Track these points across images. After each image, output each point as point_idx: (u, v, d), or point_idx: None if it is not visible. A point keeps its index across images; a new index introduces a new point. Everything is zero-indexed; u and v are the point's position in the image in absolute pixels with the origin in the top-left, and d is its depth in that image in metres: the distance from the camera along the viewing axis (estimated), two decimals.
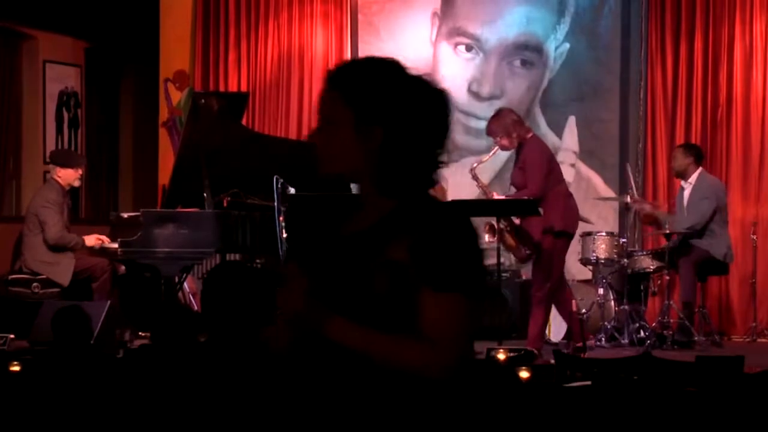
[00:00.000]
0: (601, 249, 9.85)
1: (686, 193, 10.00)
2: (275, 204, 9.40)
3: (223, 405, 3.64)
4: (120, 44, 13.45)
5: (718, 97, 10.98)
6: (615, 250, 9.84)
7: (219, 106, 9.99)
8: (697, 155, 10.09)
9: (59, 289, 9.82)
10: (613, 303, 9.84)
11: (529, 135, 9.07)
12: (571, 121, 11.53)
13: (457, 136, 11.84)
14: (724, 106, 10.95)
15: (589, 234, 9.99)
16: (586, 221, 10.31)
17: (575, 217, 8.93)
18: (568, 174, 11.48)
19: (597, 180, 11.38)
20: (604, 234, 9.99)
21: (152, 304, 9.87)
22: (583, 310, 9.40)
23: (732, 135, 10.91)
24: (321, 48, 12.24)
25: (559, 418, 5.01)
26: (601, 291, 9.78)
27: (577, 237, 10.32)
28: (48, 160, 10.71)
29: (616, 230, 10.56)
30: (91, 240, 9.95)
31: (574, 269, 10.97)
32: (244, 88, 12.32)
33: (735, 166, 10.88)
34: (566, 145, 11.51)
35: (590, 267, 10.15)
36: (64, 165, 10.10)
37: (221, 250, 9.87)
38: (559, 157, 11.48)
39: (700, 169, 10.08)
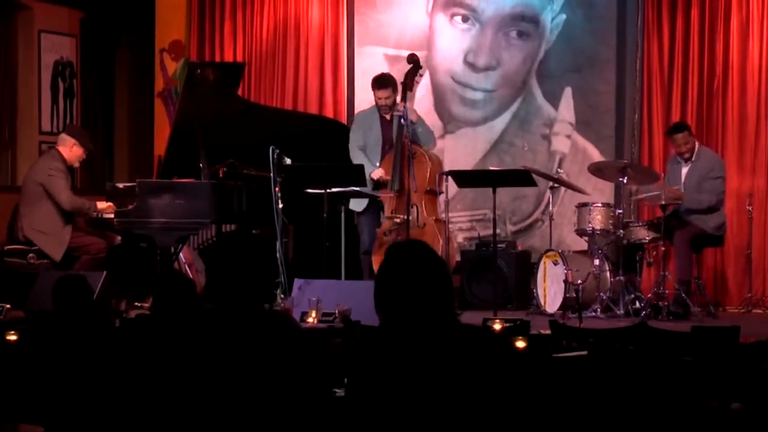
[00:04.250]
0: (597, 220, 9.87)
1: (685, 170, 9.99)
2: (271, 174, 9.40)
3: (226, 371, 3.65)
4: (115, 14, 13.41)
5: (714, 67, 10.96)
6: (611, 221, 9.85)
7: (215, 76, 9.98)
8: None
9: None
10: (608, 274, 9.84)
11: None
12: (567, 92, 11.51)
13: (453, 107, 11.84)
14: (721, 77, 10.92)
15: (584, 205, 10.00)
16: (582, 192, 10.34)
17: None
18: (563, 145, 11.49)
19: (593, 151, 11.37)
20: (599, 205, 10.00)
21: (148, 274, 9.89)
22: (579, 281, 9.41)
23: (728, 106, 10.89)
24: (317, 18, 12.20)
25: (554, 388, 5.02)
26: (596, 262, 9.79)
27: (572, 208, 10.37)
28: (62, 131, 10.55)
29: (611, 201, 10.56)
30: (102, 205, 9.88)
31: (570, 240, 11.00)
32: (239, 59, 12.29)
33: (731, 136, 10.87)
34: (562, 116, 11.50)
35: (586, 238, 10.16)
36: (81, 143, 9.99)
37: (217, 221, 9.87)
38: (555, 128, 11.51)
39: (697, 143, 10.10)
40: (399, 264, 3.56)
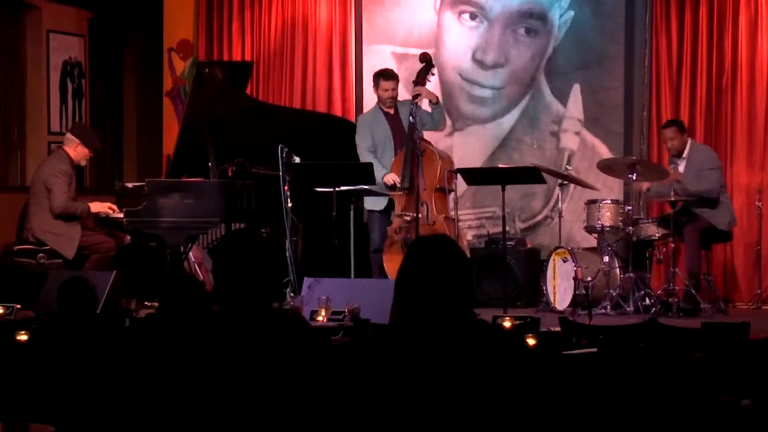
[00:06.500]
0: (607, 217, 9.86)
1: (681, 167, 10.00)
2: (280, 173, 9.41)
3: (234, 371, 3.65)
4: (124, 14, 13.42)
5: (723, 63, 10.94)
6: (620, 218, 9.84)
7: (223, 75, 9.99)
8: (685, 128, 10.17)
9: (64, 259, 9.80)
10: (618, 271, 9.83)
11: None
12: (576, 89, 11.50)
13: (462, 104, 11.83)
14: (729, 73, 10.91)
15: (594, 202, 9.99)
16: (592, 188, 10.33)
17: None
18: (572, 142, 11.48)
19: (602, 148, 11.36)
20: (609, 202, 10.00)
21: (158, 274, 9.89)
22: (588, 278, 9.40)
23: (737, 102, 10.88)
24: (325, 16, 12.20)
25: (564, 385, 5.02)
26: (606, 259, 9.77)
27: (581, 205, 10.37)
28: (67, 130, 10.57)
29: (621, 198, 10.56)
30: (96, 206, 9.91)
31: (579, 237, 10.99)
32: (248, 57, 12.29)
33: (740, 133, 10.86)
34: (571, 113, 11.49)
35: (595, 235, 10.15)
36: (85, 143, 10.01)
37: (226, 220, 9.88)
38: (564, 125, 11.50)
39: (690, 140, 10.12)
40: (424, 257, 3.56)
